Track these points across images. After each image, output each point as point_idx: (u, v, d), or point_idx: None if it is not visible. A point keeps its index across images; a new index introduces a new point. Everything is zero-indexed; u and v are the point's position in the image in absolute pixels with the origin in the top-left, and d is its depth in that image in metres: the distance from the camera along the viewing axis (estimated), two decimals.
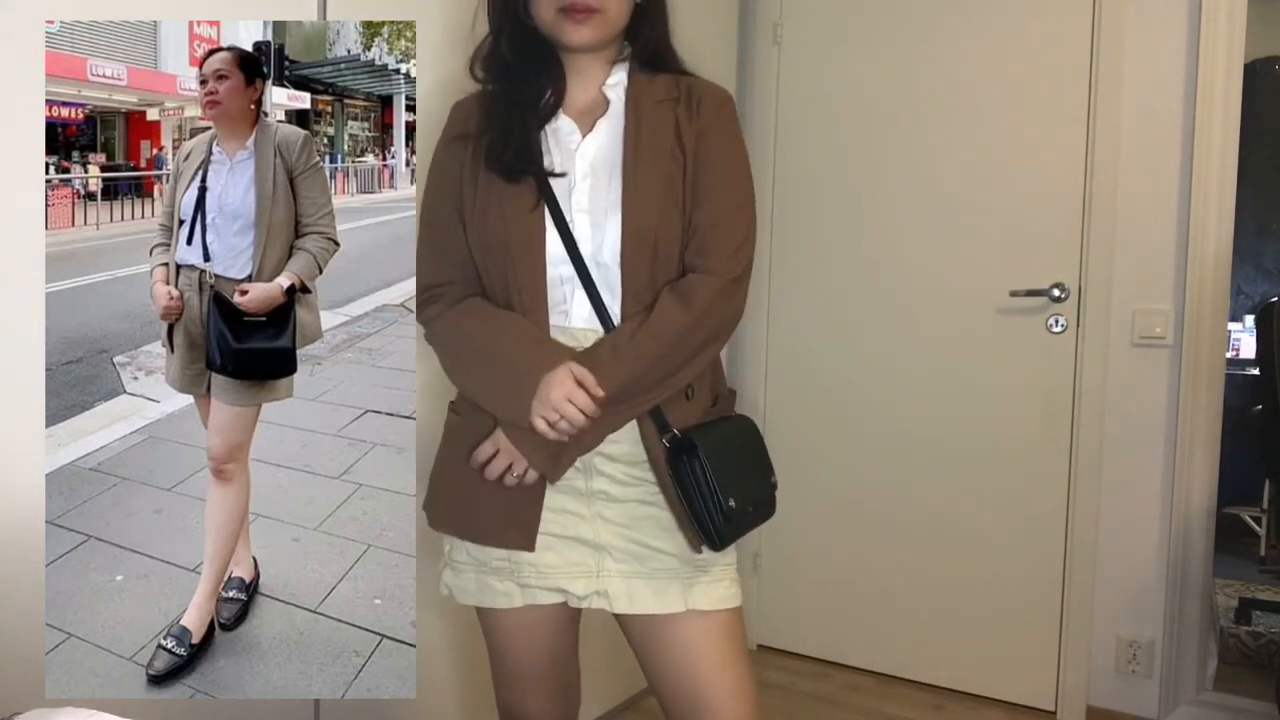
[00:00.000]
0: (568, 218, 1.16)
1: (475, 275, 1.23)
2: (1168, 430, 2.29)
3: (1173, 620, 2.31)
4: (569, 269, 1.16)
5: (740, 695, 1.20)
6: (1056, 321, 2.38)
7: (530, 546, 1.17)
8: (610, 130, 1.19)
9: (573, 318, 1.17)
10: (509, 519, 1.18)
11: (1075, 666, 2.39)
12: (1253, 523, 3.82)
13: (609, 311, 1.16)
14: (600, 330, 1.15)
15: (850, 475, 2.67)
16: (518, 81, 1.21)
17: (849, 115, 2.65)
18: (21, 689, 1.21)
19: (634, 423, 1.17)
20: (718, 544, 1.16)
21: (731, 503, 1.14)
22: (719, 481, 1.13)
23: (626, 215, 1.14)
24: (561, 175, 1.18)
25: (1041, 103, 2.39)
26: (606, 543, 1.18)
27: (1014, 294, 2.42)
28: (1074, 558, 2.38)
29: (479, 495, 1.19)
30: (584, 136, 1.20)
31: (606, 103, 1.21)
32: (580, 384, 1.09)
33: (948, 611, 2.56)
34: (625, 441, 1.17)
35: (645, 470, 1.18)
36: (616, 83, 1.22)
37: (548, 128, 1.21)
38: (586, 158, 1.19)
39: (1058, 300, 2.37)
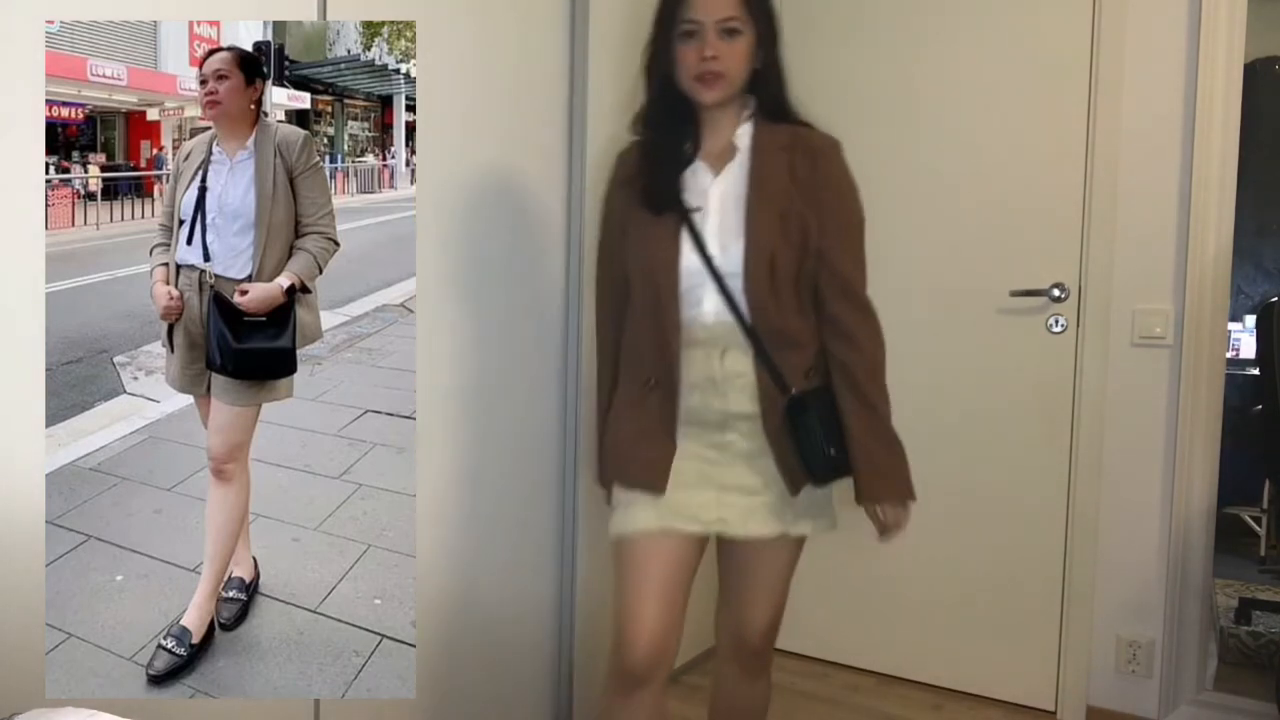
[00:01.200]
0: (704, 237, 1.48)
1: (618, 297, 1.60)
2: (1168, 430, 2.29)
3: (1173, 620, 2.31)
4: (702, 278, 1.47)
5: (782, 598, 1.66)
6: (1056, 321, 2.38)
7: (660, 489, 1.50)
8: (737, 172, 1.50)
9: (705, 314, 1.48)
10: (648, 470, 1.51)
11: (1075, 666, 2.39)
12: (1253, 523, 3.82)
13: (740, 309, 1.47)
14: (731, 321, 1.47)
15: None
16: (666, 132, 1.53)
17: (848, 115, 2.62)
18: (21, 689, 1.21)
19: (756, 387, 1.48)
20: (820, 483, 1.51)
21: (831, 450, 1.46)
22: (823, 432, 1.46)
23: (749, 238, 1.45)
24: (697, 209, 1.49)
25: (1041, 103, 2.39)
26: (731, 483, 1.51)
27: (1014, 294, 2.42)
28: (1074, 558, 2.38)
29: (630, 455, 1.54)
30: (715, 176, 1.51)
31: (734, 150, 1.51)
32: None
33: (948, 611, 2.56)
34: (749, 404, 1.49)
35: (760, 428, 1.49)
36: (744, 133, 1.52)
37: (687, 170, 1.52)
38: (716, 194, 1.50)
39: (1058, 300, 2.37)
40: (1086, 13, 2.32)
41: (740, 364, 1.49)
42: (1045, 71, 2.39)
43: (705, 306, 1.48)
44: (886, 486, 1.51)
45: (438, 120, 1.80)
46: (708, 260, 1.47)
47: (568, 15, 2.11)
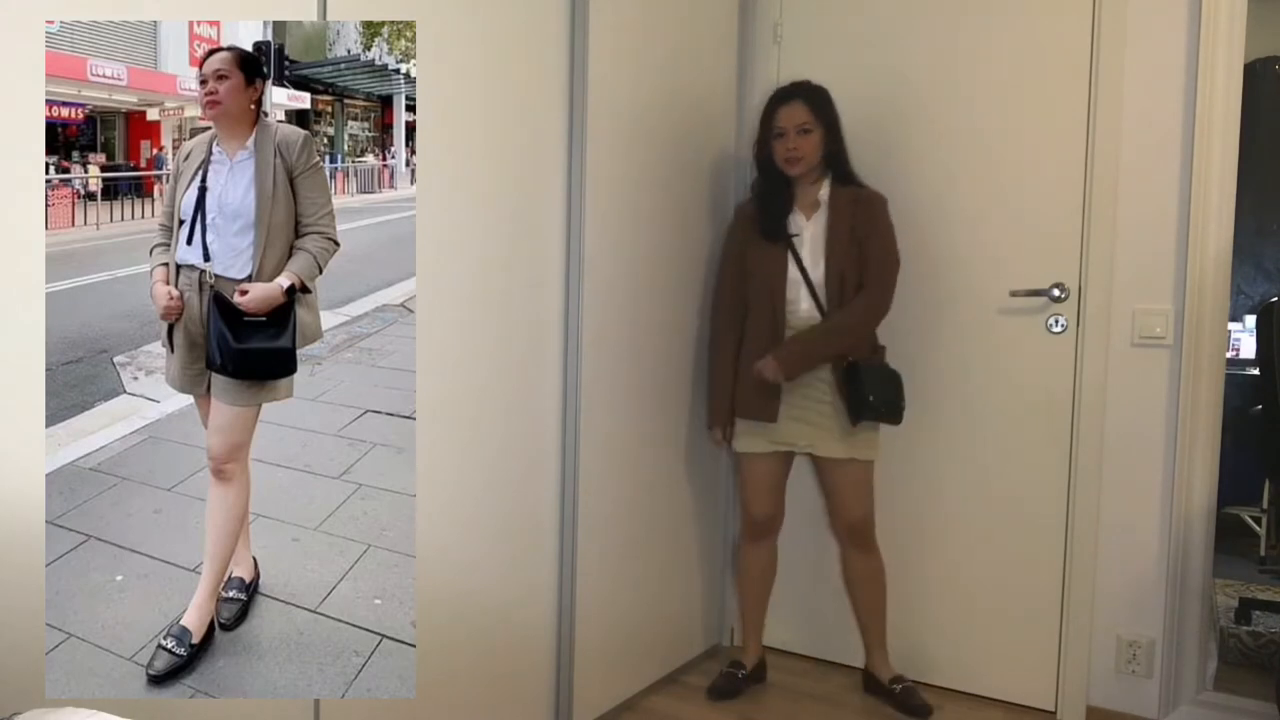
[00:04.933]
0: (802, 258, 2.34)
1: (736, 297, 2.46)
2: (1168, 430, 2.29)
3: (1173, 620, 2.31)
4: (799, 284, 2.34)
5: (864, 502, 2.41)
6: (1056, 321, 2.38)
7: (774, 419, 2.37)
8: (822, 218, 2.36)
9: (800, 310, 2.34)
10: (765, 409, 2.37)
11: (1075, 666, 2.39)
12: (1253, 523, 3.82)
13: (822, 306, 2.32)
14: (817, 317, 2.32)
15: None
16: (771, 192, 2.40)
17: (848, 115, 2.64)
18: (21, 689, 1.21)
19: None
20: (864, 419, 2.30)
21: (870, 398, 2.27)
22: (867, 386, 2.27)
23: (828, 260, 2.33)
24: (797, 236, 2.36)
25: (1041, 103, 2.39)
26: (813, 421, 2.35)
27: (1014, 294, 2.42)
28: (1074, 557, 2.38)
29: (751, 399, 2.39)
30: (807, 220, 2.37)
31: (819, 203, 2.37)
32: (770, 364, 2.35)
33: (948, 611, 2.56)
34: (825, 370, 2.33)
35: (831, 385, 2.33)
36: (824, 193, 2.37)
37: (788, 216, 2.37)
38: (809, 232, 2.36)
39: (1058, 300, 2.37)
40: (1086, 13, 2.32)
41: None
42: (1045, 71, 2.39)
43: (801, 305, 2.34)
44: (784, 353, 2.31)
45: (438, 120, 1.80)
46: (804, 273, 2.33)
47: (568, 15, 2.11)
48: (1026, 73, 2.41)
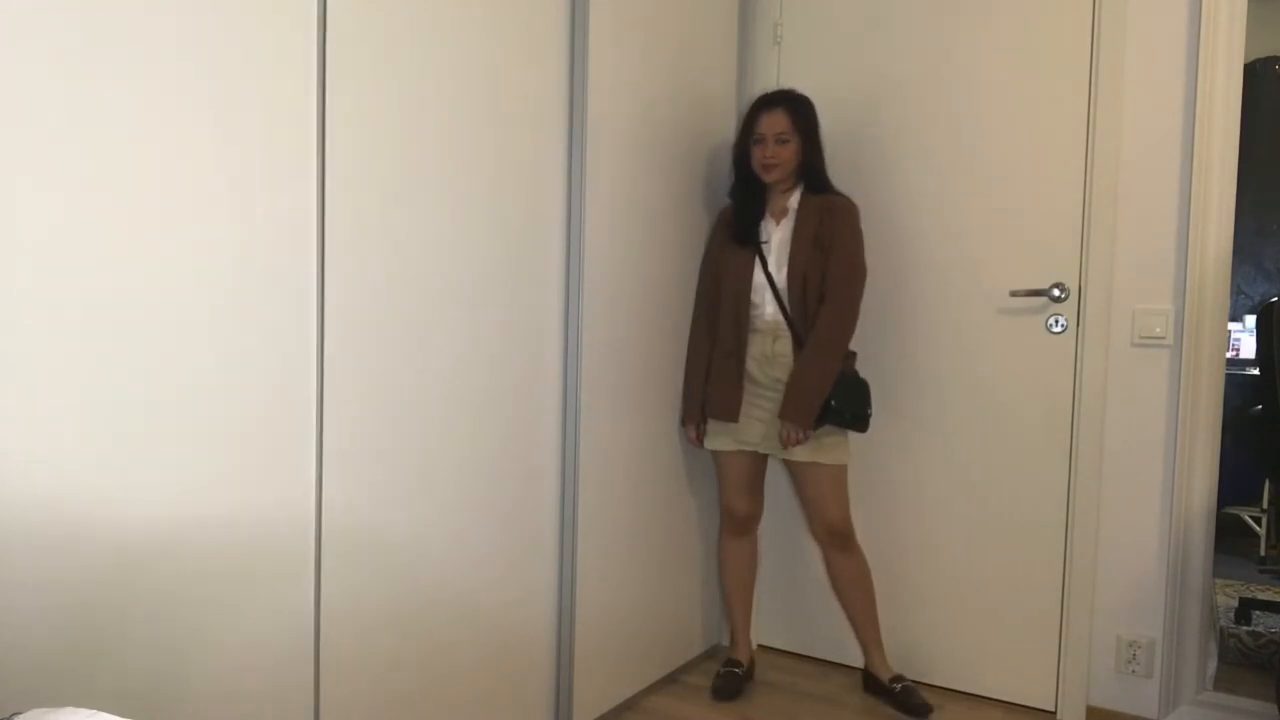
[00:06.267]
0: (768, 263, 2.39)
1: (712, 298, 2.50)
2: (1168, 430, 2.30)
3: (1173, 620, 2.31)
4: (765, 288, 2.39)
5: (839, 505, 2.40)
6: (1056, 321, 2.38)
7: (735, 419, 2.41)
8: (789, 224, 2.39)
9: (765, 313, 2.39)
10: (727, 409, 2.42)
11: (1075, 666, 2.39)
12: (1253, 523, 3.82)
13: (786, 309, 2.35)
14: (781, 320, 2.36)
15: (848, 476, 2.67)
16: (747, 198, 2.44)
17: (848, 116, 2.66)
18: (22, 689, 1.21)
19: (792, 362, 2.34)
20: (825, 422, 2.30)
21: (833, 403, 2.28)
22: (830, 396, 2.29)
23: (790, 264, 2.35)
24: (765, 242, 2.41)
25: (1041, 103, 2.40)
26: (773, 421, 2.36)
27: (1014, 294, 2.42)
28: (1074, 558, 2.38)
29: (718, 399, 2.44)
30: (777, 225, 2.41)
31: (788, 210, 2.40)
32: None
33: (948, 611, 2.56)
34: (786, 374, 2.34)
35: None
36: (794, 201, 2.40)
37: (761, 222, 2.42)
38: (776, 236, 2.40)
39: (1058, 300, 2.38)
40: (1086, 13, 2.32)
41: (785, 347, 2.36)
42: (1045, 71, 2.39)
43: (766, 308, 2.39)
44: (793, 411, 2.29)
45: (438, 120, 1.80)
46: (769, 277, 2.37)
47: (568, 15, 2.11)
48: (1026, 72, 2.41)
